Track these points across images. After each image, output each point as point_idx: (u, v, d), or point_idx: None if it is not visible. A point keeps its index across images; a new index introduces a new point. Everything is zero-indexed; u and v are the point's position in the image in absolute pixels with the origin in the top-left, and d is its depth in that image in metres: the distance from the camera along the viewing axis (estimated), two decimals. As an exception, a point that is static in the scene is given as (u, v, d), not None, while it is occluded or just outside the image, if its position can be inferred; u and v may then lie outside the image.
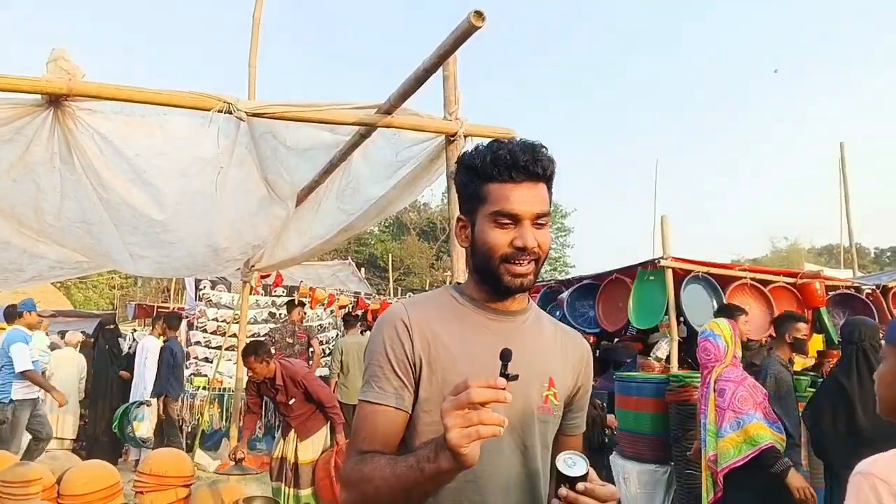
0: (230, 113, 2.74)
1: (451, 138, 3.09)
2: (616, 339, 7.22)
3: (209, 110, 2.71)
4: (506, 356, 1.18)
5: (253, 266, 5.73)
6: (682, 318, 5.64)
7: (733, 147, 73.85)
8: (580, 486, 1.23)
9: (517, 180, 1.40)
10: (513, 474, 1.44)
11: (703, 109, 72.69)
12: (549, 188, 1.48)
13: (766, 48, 73.60)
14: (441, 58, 2.53)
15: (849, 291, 6.38)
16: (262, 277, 9.43)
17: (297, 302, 9.27)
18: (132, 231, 3.64)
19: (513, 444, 1.44)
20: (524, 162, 1.39)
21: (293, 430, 5.34)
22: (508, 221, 1.41)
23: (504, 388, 1.12)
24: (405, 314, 1.46)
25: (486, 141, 1.50)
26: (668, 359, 5.60)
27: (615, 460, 5.42)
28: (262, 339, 8.83)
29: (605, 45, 73.52)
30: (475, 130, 3.09)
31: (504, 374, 1.15)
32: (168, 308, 14.51)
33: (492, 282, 1.46)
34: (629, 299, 5.82)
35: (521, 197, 1.40)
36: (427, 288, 22.85)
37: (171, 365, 8.13)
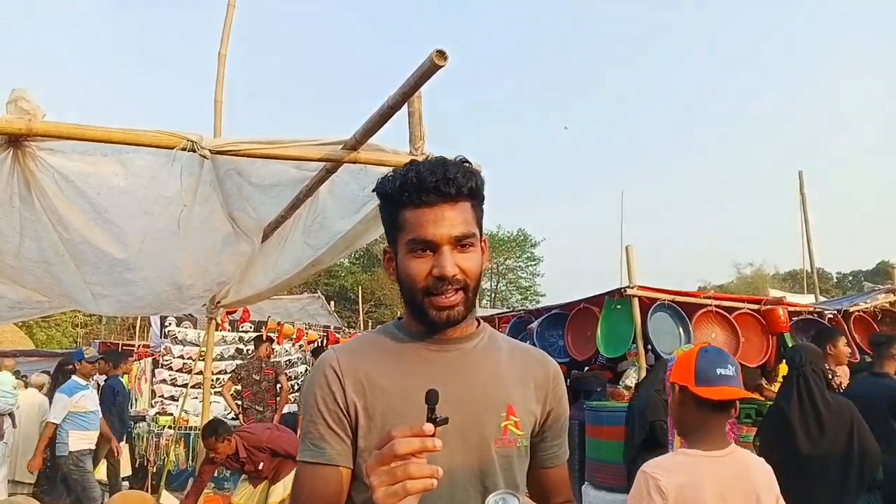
0: (194, 151, 2.72)
1: (418, 173, 3.11)
2: (586, 368, 7.25)
3: (173, 148, 2.69)
4: (431, 399, 1.07)
5: (219, 302, 5.65)
6: (649, 346, 5.69)
7: (698, 176, 75.25)
8: None
9: (430, 203, 1.27)
10: None
11: (668, 139, 74.16)
12: (476, 205, 1.35)
13: (728, 78, 75.59)
14: (405, 96, 2.55)
15: (811, 317, 6.49)
16: (229, 313, 9.32)
17: (264, 338, 9.17)
18: (93, 270, 3.58)
19: (469, 486, 1.30)
20: (433, 183, 1.26)
21: (265, 479, 5.18)
22: (425, 249, 1.29)
23: (433, 435, 1.00)
24: (335, 360, 1.35)
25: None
26: (636, 387, 5.63)
27: (587, 490, 5.42)
28: (220, 414, 8.61)
29: (574, 74, 74.87)
30: (440, 165, 3.11)
31: (432, 419, 1.03)
32: (133, 346, 14.24)
33: (420, 317, 1.33)
34: (597, 328, 5.86)
35: (436, 221, 1.27)
36: (397, 320, 22.69)
37: (110, 404, 7.93)
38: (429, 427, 1.01)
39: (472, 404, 1.31)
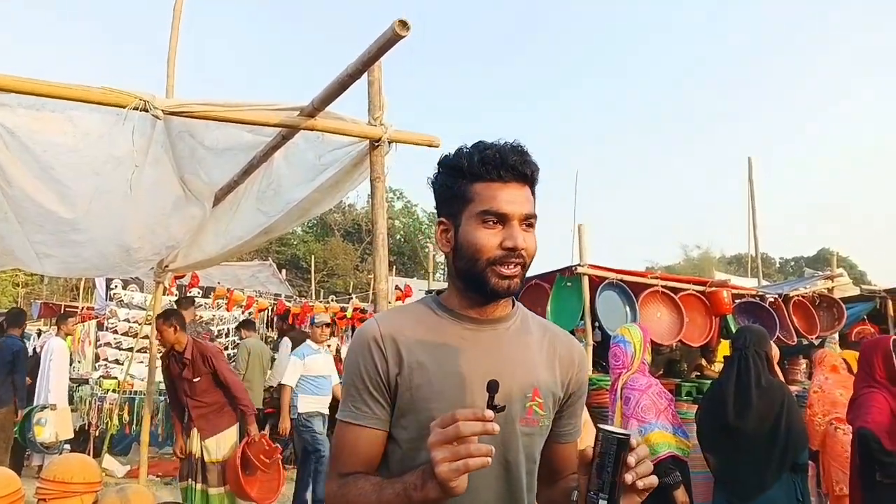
0: (146, 111, 2.66)
1: (376, 143, 3.07)
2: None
3: (124, 107, 2.62)
4: (492, 388, 1.19)
5: (167, 266, 5.55)
6: (597, 324, 5.80)
7: (652, 158, 76.30)
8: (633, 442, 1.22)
9: (505, 180, 1.38)
10: (493, 491, 1.42)
11: (622, 121, 74.97)
12: (534, 193, 1.46)
13: (682, 63, 76.57)
14: (365, 65, 2.53)
15: (753, 300, 6.68)
16: (177, 278, 9.15)
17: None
18: (38, 229, 3.49)
19: (494, 460, 1.34)
20: (513, 161, 1.37)
21: (195, 426, 5.32)
22: (497, 221, 1.38)
23: (492, 420, 1.14)
24: (377, 331, 1.43)
25: (469, 142, 1.48)
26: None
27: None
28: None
29: (528, 57, 74.86)
30: (400, 136, 3.07)
31: (492, 406, 1.17)
32: (76, 307, 13.92)
33: (478, 286, 1.41)
34: (548, 304, 5.94)
35: (510, 197, 1.38)
36: (351, 290, 22.63)
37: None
38: (489, 413, 1.14)
39: (501, 381, 1.36)
